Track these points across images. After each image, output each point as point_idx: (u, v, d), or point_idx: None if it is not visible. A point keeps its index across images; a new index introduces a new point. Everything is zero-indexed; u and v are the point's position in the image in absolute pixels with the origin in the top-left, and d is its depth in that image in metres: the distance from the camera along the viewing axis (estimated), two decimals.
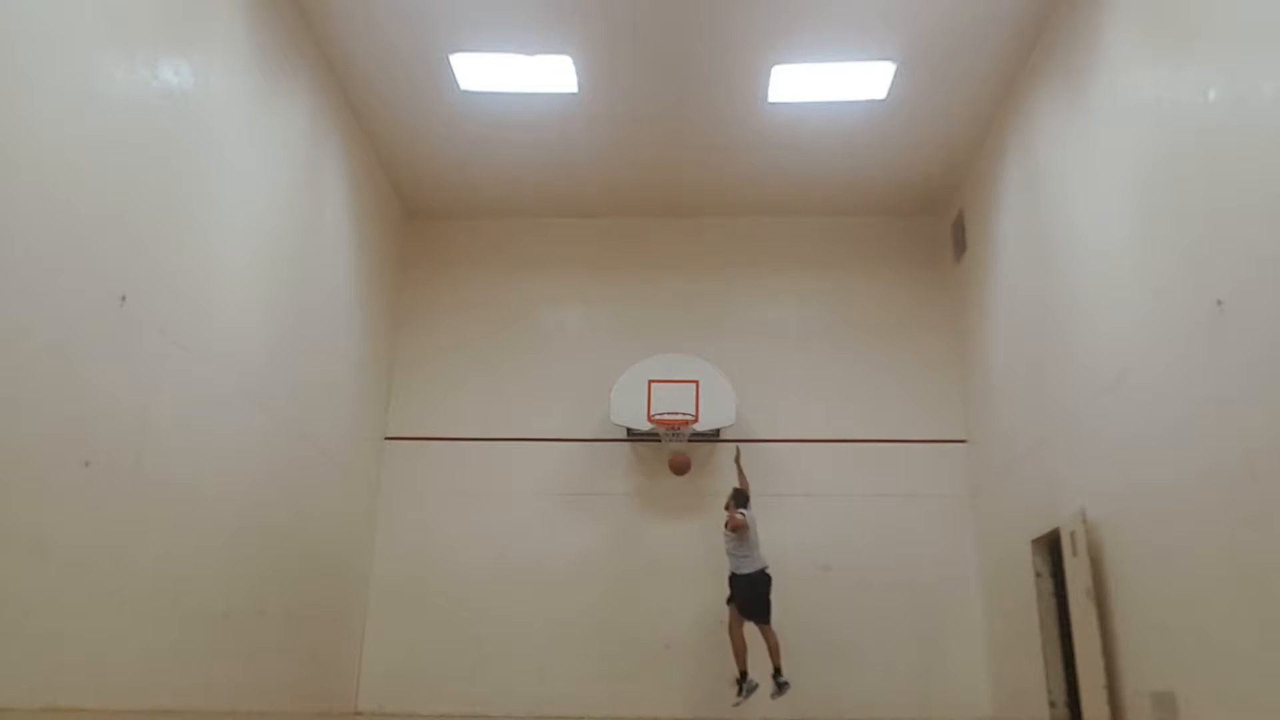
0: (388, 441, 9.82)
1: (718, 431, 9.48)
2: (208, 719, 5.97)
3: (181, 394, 5.72)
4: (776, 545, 9.31)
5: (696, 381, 9.28)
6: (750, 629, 8.17)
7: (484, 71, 8.09)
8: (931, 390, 9.81)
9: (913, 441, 9.64)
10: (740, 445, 8.95)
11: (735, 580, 8.26)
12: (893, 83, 8.15)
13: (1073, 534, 6.64)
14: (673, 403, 9.19)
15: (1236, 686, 4.75)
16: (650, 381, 9.29)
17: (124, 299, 5.09)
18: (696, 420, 9.14)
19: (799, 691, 8.80)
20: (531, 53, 7.89)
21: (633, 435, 9.59)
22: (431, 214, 10.52)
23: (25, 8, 4.36)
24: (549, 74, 8.11)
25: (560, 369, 10.00)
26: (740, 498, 8.50)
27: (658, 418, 9.15)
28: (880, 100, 8.39)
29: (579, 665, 9.04)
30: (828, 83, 8.22)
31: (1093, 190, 6.59)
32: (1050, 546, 7.47)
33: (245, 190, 6.62)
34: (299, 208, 7.58)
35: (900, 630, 9.00)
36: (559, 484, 9.65)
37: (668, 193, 10.09)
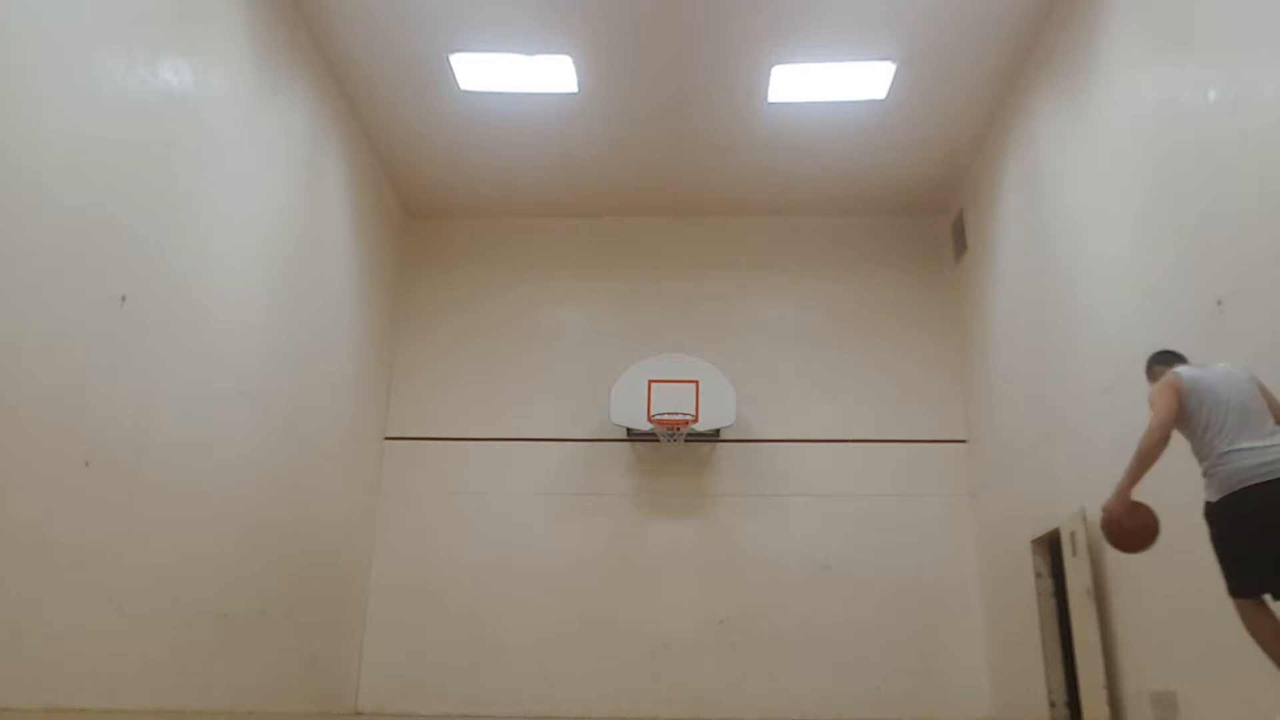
0: (387, 441, 9.82)
1: (717, 431, 9.48)
2: (208, 719, 5.97)
3: (181, 394, 5.72)
4: (776, 545, 9.35)
5: (696, 381, 9.28)
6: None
7: (484, 71, 8.09)
8: (932, 390, 9.81)
9: (913, 441, 9.64)
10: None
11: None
12: (893, 83, 8.15)
13: (1073, 534, 6.64)
14: (673, 403, 9.18)
15: (1236, 686, 4.75)
16: (650, 381, 9.29)
17: (124, 299, 5.09)
18: (696, 420, 9.14)
19: (799, 691, 8.83)
20: (531, 53, 7.89)
21: (633, 435, 9.59)
22: (431, 214, 10.52)
23: (25, 8, 4.36)
24: (549, 74, 8.11)
25: (560, 369, 10.00)
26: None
27: (658, 418, 9.15)
28: (880, 100, 8.39)
29: (579, 665, 9.04)
30: (828, 83, 8.22)
31: (1092, 190, 6.59)
32: (1050, 546, 7.47)
33: (245, 190, 6.62)
34: (299, 208, 7.58)
35: (900, 630, 9.00)
36: (559, 484, 9.64)
37: (668, 193, 10.08)
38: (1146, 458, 4.10)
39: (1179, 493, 5.32)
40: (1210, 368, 4.17)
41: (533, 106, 8.59)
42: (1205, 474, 4.02)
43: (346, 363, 8.74)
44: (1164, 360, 4.51)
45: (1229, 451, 3.90)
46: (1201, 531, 5.20)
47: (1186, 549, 5.24)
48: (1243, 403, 3.97)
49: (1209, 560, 4.98)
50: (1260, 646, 3.87)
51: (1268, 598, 3.81)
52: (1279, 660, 3.80)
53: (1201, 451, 4.03)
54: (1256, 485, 3.77)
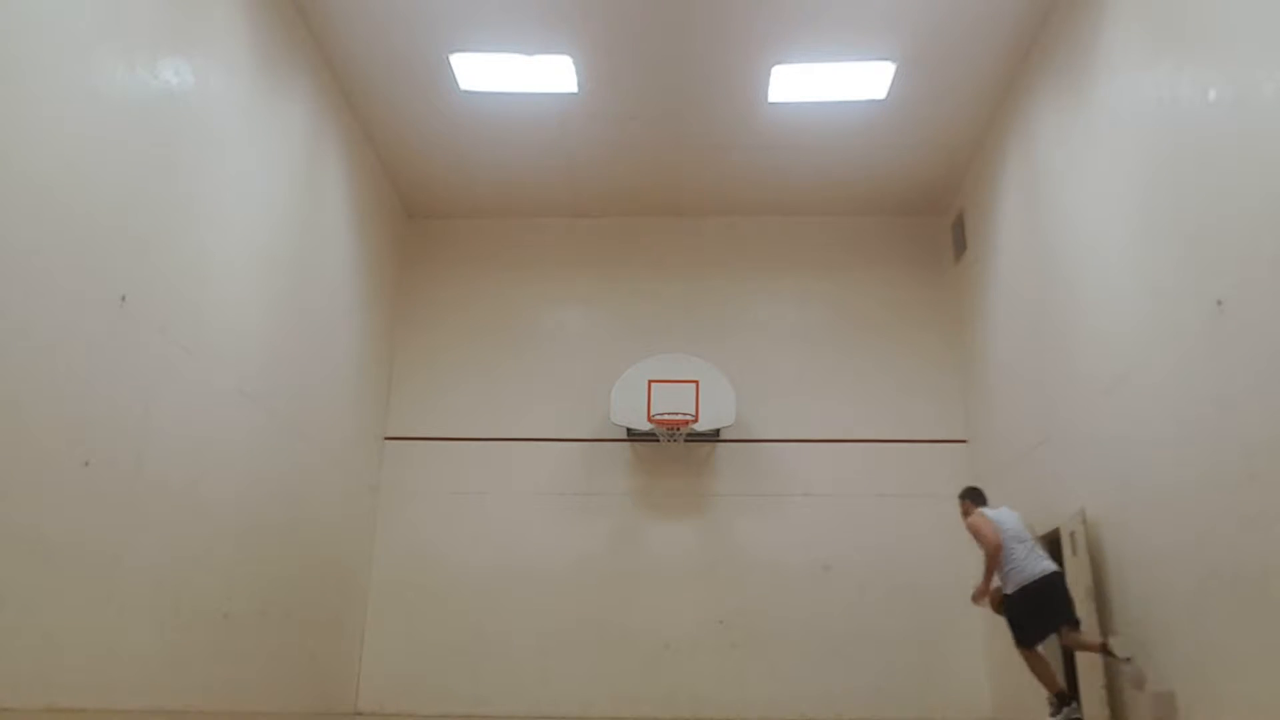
0: (387, 441, 9.82)
1: (717, 431, 9.48)
2: (208, 719, 5.97)
3: (181, 394, 5.72)
4: (776, 545, 9.35)
5: (696, 381, 9.28)
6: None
7: (484, 71, 8.09)
8: (931, 390, 9.81)
9: (913, 441, 9.64)
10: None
11: None
12: (893, 83, 8.15)
13: (1073, 534, 6.64)
14: (673, 403, 9.19)
15: (1236, 686, 4.75)
16: (650, 381, 9.29)
17: (124, 299, 5.09)
18: (696, 420, 9.14)
19: (799, 691, 8.83)
20: (531, 53, 7.89)
21: (633, 435, 9.59)
22: (431, 214, 10.52)
23: (25, 8, 4.36)
24: (549, 74, 8.11)
25: (560, 369, 10.01)
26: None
27: (658, 418, 9.15)
28: (880, 100, 8.39)
29: (579, 665, 9.04)
30: (828, 83, 8.22)
31: (1093, 190, 6.59)
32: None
33: (245, 190, 6.62)
34: (299, 208, 7.58)
35: (900, 630, 9.00)
36: (559, 484, 9.64)
37: (668, 193, 10.08)
38: (993, 564, 6.31)
39: (1182, 500, 5.33)
40: (998, 509, 6.60)
41: (533, 106, 8.58)
42: (1004, 574, 6.26)
43: (346, 363, 8.74)
44: (974, 497, 6.92)
45: (1017, 563, 6.17)
46: (1200, 535, 5.25)
47: (1188, 551, 5.25)
48: (1019, 530, 6.37)
49: (1209, 561, 4.99)
50: (1038, 679, 6.17)
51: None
52: (1050, 686, 6.11)
53: (1000, 561, 6.26)
54: (1033, 582, 6.08)
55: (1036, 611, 6.10)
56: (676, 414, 9.15)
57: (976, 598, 6.59)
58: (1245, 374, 4.67)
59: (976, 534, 6.40)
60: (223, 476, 6.27)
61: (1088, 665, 6.40)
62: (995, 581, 6.40)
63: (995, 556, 6.24)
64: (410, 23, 7.58)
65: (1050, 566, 6.16)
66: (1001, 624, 8.60)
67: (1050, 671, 6.18)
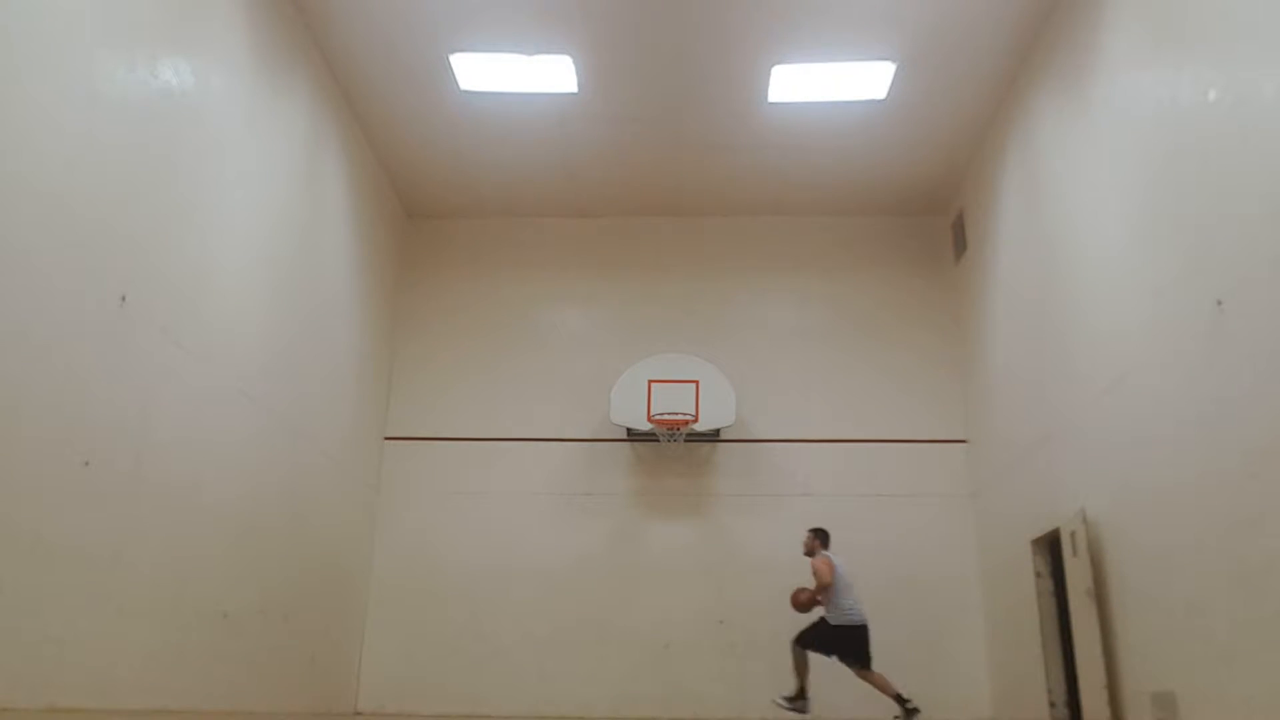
0: (387, 441, 9.82)
1: (717, 431, 9.48)
2: (208, 719, 5.97)
3: (181, 394, 5.72)
4: (777, 545, 9.34)
5: (696, 381, 9.28)
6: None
7: (484, 71, 8.09)
8: (932, 390, 9.80)
9: (913, 441, 9.64)
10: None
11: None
12: (893, 83, 8.16)
13: (1073, 534, 6.64)
14: (673, 403, 9.19)
15: (1236, 686, 4.75)
16: (650, 381, 9.30)
17: (124, 299, 5.09)
18: (696, 420, 9.14)
19: None
20: (531, 53, 7.89)
21: (633, 435, 9.59)
22: (431, 214, 10.52)
23: (25, 8, 4.36)
24: (549, 74, 8.11)
25: (560, 369, 10.01)
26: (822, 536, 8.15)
27: (658, 418, 9.15)
28: (880, 100, 8.40)
29: (579, 665, 9.04)
30: (828, 83, 8.22)
31: (1093, 190, 6.59)
32: (1050, 546, 7.47)
33: (245, 190, 6.62)
34: (299, 208, 7.58)
35: (900, 630, 8.98)
36: (559, 484, 9.64)
37: (668, 193, 10.09)
38: (820, 594, 7.79)
39: (1182, 500, 5.33)
40: (836, 557, 7.91)
41: (533, 106, 8.59)
42: (835, 610, 7.69)
43: (346, 363, 8.74)
44: (822, 538, 8.08)
45: (848, 606, 7.68)
46: (1200, 535, 5.24)
47: (1188, 551, 5.25)
48: (849, 580, 7.80)
49: (1209, 561, 5.00)
50: (880, 691, 7.61)
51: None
52: (888, 691, 7.58)
53: (833, 598, 7.70)
54: (859, 624, 7.66)
55: (842, 645, 7.68)
56: (676, 414, 9.15)
57: (795, 601, 7.93)
58: (1245, 374, 4.67)
59: (816, 572, 7.78)
60: (223, 477, 6.27)
61: (1088, 662, 6.40)
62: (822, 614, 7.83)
63: (823, 591, 7.75)
64: (410, 23, 7.58)
65: (864, 618, 7.73)
66: (1002, 627, 8.64)
67: (882, 681, 7.65)
